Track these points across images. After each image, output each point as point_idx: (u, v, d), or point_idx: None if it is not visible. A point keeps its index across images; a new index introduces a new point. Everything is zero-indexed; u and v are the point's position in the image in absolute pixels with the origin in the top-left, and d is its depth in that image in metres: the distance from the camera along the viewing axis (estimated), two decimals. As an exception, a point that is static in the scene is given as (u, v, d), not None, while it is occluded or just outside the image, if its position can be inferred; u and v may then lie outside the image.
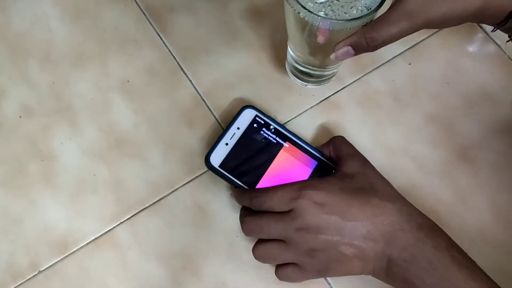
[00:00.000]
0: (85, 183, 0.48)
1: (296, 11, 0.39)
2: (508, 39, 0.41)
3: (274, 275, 0.45)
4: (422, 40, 0.54)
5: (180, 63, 0.52)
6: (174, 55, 0.53)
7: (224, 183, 0.47)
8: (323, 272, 0.41)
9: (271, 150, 0.47)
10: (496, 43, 0.54)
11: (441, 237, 0.39)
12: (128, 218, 0.47)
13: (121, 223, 0.47)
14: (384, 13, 0.38)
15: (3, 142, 0.49)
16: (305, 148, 0.47)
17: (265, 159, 0.46)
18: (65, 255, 0.46)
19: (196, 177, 0.48)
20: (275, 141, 0.47)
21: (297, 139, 0.47)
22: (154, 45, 0.53)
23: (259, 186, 0.45)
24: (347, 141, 0.46)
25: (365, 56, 0.53)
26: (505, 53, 0.53)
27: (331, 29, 0.39)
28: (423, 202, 0.47)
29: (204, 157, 0.46)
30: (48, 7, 0.54)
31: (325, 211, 0.40)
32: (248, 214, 0.43)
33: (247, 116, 0.48)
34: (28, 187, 0.48)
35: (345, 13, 0.39)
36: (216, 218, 0.47)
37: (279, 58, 0.52)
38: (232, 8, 0.55)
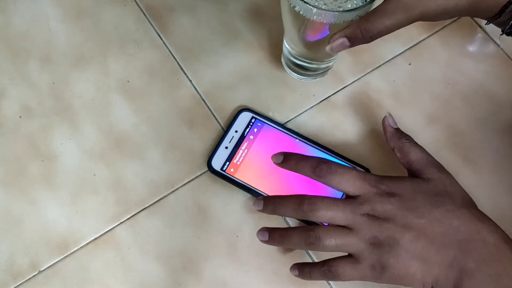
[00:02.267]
0: (85, 183, 0.48)
1: (291, 5, 0.39)
2: (501, 32, 0.41)
3: (275, 275, 0.45)
4: (422, 40, 0.54)
5: (180, 63, 0.52)
6: (174, 55, 0.53)
7: (224, 183, 0.47)
8: (377, 269, 0.37)
9: (273, 149, 0.47)
10: (496, 43, 0.54)
11: None
12: (128, 218, 0.47)
13: (121, 223, 0.47)
14: (380, 4, 0.38)
15: (3, 142, 0.49)
16: (306, 144, 0.48)
17: (268, 158, 0.46)
18: (65, 255, 0.45)
19: (196, 177, 0.48)
20: (275, 140, 0.48)
21: (298, 136, 0.48)
22: (154, 45, 0.53)
23: (264, 184, 0.46)
24: (416, 144, 0.44)
25: (365, 56, 0.53)
26: (505, 53, 0.53)
27: (325, 22, 0.39)
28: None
29: (206, 160, 0.48)
30: (48, 7, 0.54)
31: (393, 202, 0.38)
32: (309, 195, 0.40)
33: (244, 119, 0.49)
34: (28, 187, 0.47)
35: (339, 7, 0.39)
36: (216, 218, 0.47)
37: (279, 58, 0.52)
38: (233, 8, 0.55)
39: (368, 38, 0.38)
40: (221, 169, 0.47)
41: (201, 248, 0.46)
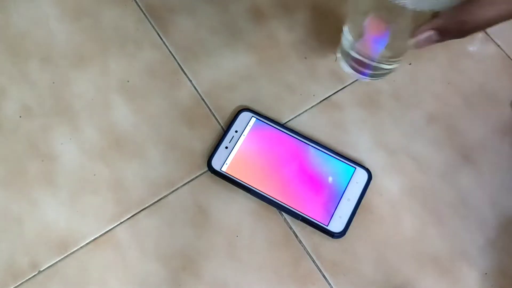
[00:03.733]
0: (85, 183, 0.48)
1: None
2: None
3: (275, 275, 0.45)
4: (422, 40, 0.54)
5: (180, 63, 0.52)
6: (174, 55, 0.53)
7: (224, 183, 0.47)
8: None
9: (273, 149, 0.47)
10: (496, 43, 0.54)
11: None
12: (128, 218, 0.47)
13: (121, 223, 0.47)
14: None
15: (3, 142, 0.49)
16: (306, 144, 0.48)
17: (268, 158, 0.46)
18: (65, 255, 0.45)
19: (196, 177, 0.48)
20: (275, 140, 0.48)
21: (298, 136, 0.48)
22: (154, 46, 0.53)
23: (264, 184, 0.46)
24: None
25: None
26: (505, 53, 0.53)
27: (414, 8, 0.34)
28: (424, 203, 0.47)
29: (206, 161, 0.48)
30: (48, 7, 0.54)
31: None
32: None
33: (244, 119, 0.49)
34: (28, 187, 0.47)
35: None
36: (216, 218, 0.47)
37: (279, 58, 0.52)
38: (233, 8, 0.55)
39: (464, 32, 0.33)
40: (221, 169, 0.47)
41: (201, 248, 0.46)
